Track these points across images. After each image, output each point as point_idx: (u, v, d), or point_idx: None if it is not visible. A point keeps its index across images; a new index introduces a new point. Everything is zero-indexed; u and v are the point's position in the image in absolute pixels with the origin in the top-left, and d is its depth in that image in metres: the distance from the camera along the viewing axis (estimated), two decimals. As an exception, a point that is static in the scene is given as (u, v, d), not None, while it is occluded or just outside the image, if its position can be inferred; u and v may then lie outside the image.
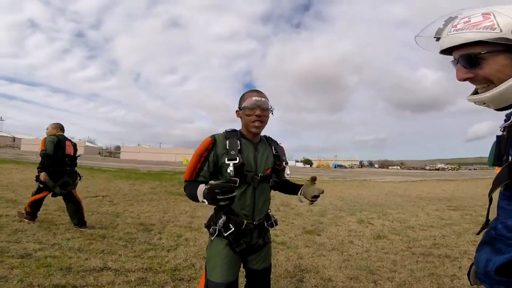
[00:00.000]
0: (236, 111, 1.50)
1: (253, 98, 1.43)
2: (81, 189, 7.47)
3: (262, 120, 1.44)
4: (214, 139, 1.42)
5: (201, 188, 1.30)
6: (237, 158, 1.36)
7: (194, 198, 1.35)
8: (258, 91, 1.49)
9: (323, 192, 1.45)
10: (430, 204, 7.86)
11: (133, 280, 2.41)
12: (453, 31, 0.72)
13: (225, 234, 1.38)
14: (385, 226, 4.93)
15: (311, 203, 1.51)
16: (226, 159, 1.37)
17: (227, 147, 1.39)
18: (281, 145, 1.64)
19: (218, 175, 1.44)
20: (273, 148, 1.56)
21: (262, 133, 1.55)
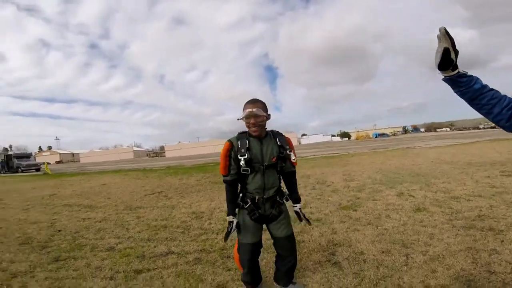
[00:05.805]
0: (242, 119, 1.89)
1: (247, 110, 1.81)
2: (139, 189, 8.51)
3: (257, 125, 1.84)
4: (231, 142, 1.90)
5: (231, 218, 1.92)
6: (246, 154, 1.83)
7: (227, 205, 1.98)
8: (252, 103, 1.85)
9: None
10: (481, 170, 7.05)
11: (191, 260, 2.91)
12: None
13: (245, 206, 1.93)
14: (426, 198, 4.67)
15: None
16: (239, 155, 1.85)
17: (239, 146, 1.86)
18: (285, 136, 2.04)
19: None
20: (277, 140, 1.95)
21: (269, 128, 2.01)
